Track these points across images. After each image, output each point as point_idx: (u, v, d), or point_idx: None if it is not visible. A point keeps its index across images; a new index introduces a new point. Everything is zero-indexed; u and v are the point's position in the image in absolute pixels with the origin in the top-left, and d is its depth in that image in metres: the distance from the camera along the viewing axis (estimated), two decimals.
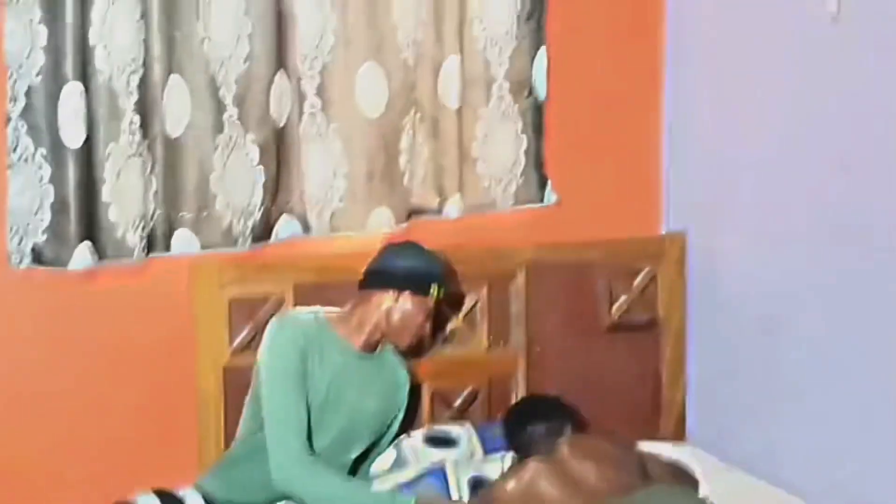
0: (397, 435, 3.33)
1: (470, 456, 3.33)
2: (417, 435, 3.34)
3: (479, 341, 3.66)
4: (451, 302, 3.50)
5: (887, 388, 3.12)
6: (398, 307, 3.11)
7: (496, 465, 3.23)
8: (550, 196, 3.75)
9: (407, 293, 3.10)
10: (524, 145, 3.72)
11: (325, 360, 3.07)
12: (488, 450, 3.36)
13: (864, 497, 3.17)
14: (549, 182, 3.76)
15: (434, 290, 3.13)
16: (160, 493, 3.05)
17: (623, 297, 3.79)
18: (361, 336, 3.13)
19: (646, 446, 3.38)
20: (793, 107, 3.41)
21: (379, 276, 3.13)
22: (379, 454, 3.30)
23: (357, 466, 3.26)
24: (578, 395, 3.70)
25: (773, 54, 3.46)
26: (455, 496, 3.14)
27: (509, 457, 3.24)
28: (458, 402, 3.64)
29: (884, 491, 3.11)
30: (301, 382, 3.01)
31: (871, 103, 3.12)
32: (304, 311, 3.16)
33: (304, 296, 3.39)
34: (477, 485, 3.18)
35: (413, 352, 3.34)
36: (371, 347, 3.17)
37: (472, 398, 3.65)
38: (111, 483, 3.20)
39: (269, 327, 3.10)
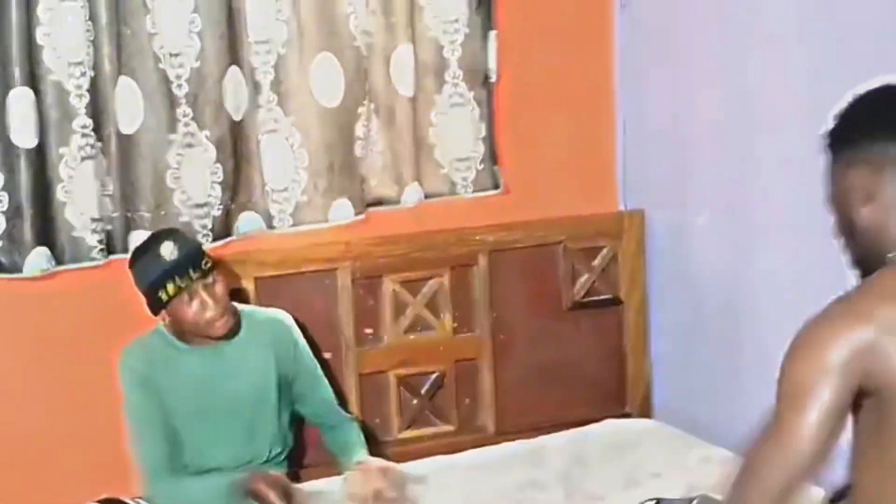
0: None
1: None
2: None
3: (443, 327, 3.67)
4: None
5: None
6: (170, 322, 3.04)
7: None
8: (500, 183, 3.76)
9: (163, 312, 3.02)
10: (481, 132, 3.72)
11: (178, 370, 3.05)
12: None
13: None
14: (501, 168, 3.76)
15: (172, 288, 2.96)
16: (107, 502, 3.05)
17: (585, 276, 3.81)
18: (190, 340, 3.08)
19: (612, 423, 3.40)
20: (746, 84, 3.42)
21: (147, 306, 3.04)
22: (316, 412, 3.27)
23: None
24: (544, 375, 3.75)
25: (725, 30, 3.48)
26: None
27: None
28: (424, 389, 3.65)
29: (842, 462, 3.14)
30: (146, 410, 3.03)
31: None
32: (149, 332, 3.10)
33: (266, 290, 3.40)
34: None
35: (233, 330, 3.12)
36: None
37: (439, 384, 3.66)
38: (73, 486, 3.19)
39: None
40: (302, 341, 3.24)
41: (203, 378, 3.07)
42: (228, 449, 3.09)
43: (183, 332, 3.06)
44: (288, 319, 3.24)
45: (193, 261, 3.01)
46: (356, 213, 3.57)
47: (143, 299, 3.04)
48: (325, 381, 3.29)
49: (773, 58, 3.29)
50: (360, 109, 3.55)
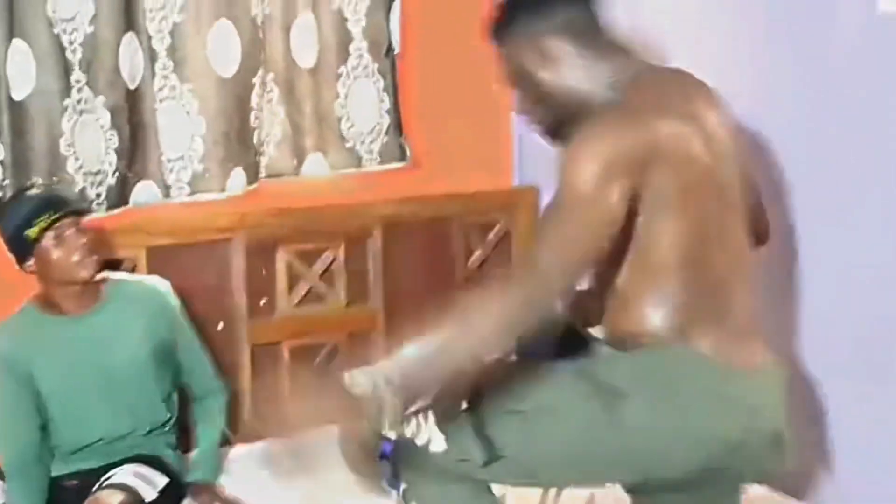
0: None
1: None
2: None
3: (337, 299, 3.69)
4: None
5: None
6: (37, 274, 2.99)
7: None
8: (407, 154, 3.78)
9: (30, 261, 2.97)
10: (386, 104, 3.73)
11: (50, 346, 3.02)
12: None
13: None
14: (405, 140, 3.78)
15: (41, 224, 2.92)
16: None
17: (478, 251, 3.85)
18: (59, 302, 3.04)
19: None
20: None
21: (13, 254, 3.01)
22: (190, 380, 3.23)
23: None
24: None
25: None
26: None
27: None
28: (318, 359, 3.67)
29: None
30: (11, 402, 3.00)
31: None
32: (18, 312, 3.06)
33: (158, 259, 3.39)
34: None
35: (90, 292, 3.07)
36: (82, 305, 3.06)
37: (332, 355, 3.68)
38: None
39: None
40: (177, 307, 3.20)
41: (75, 351, 3.02)
42: (107, 422, 3.05)
43: (49, 288, 3.01)
44: (162, 285, 3.20)
45: (62, 200, 3.02)
46: (249, 184, 3.56)
47: (10, 249, 2.98)
48: (200, 345, 3.25)
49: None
50: (256, 80, 3.53)
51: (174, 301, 3.20)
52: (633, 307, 2.23)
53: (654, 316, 2.21)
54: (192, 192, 3.49)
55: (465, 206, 3.83)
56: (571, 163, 2.12)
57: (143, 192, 3.44)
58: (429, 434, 2.28)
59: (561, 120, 2.31)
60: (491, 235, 3.87)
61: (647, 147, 2.14)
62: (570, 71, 2.29)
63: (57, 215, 2.95)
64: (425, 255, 3.80)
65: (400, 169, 3.78)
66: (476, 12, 3.78)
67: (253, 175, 3.57)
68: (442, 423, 2.27)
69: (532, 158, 3.92)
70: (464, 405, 2.32)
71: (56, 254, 2.95)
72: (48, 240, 2.94)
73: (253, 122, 3.55)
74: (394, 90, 3.74)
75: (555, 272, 2.11)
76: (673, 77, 2.36)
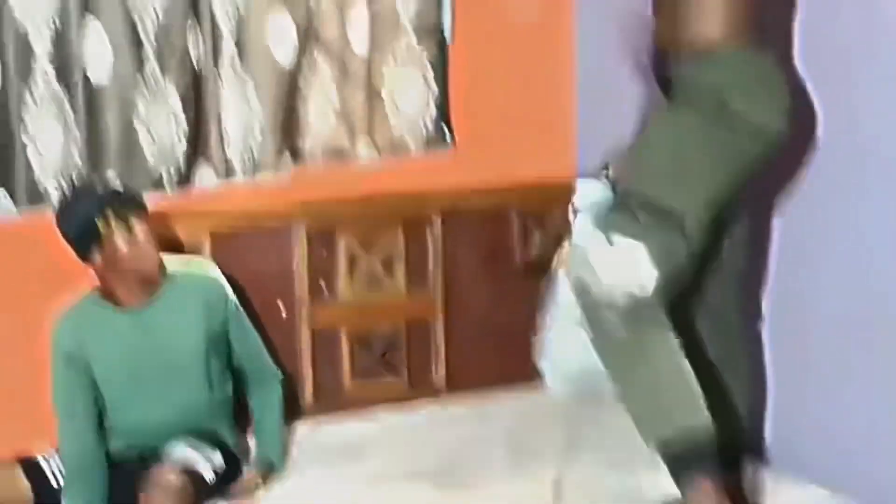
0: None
1: None
2: None
3: (397, 286, 3.71)
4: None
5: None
6: (102, 268, 3.02)
7: None
8: (450, 141, 3.80)
9: (95, 256, 2.99)
10: (433, 89, 3.75)
11: (109, 336, 3.05)
12: None
13: None
14: (452, 128, 3.79)
15: (109, 218, 2.95)
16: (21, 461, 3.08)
17: (536, 239, 3.86)
18: (119, 294, 3.06)
19: None
20: None
21: (77, 246, 3.02)
22: (244, 366, 3.24)
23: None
24: (496, 337, 3.79)
25: None
26: None
27: None
28: (376, 346, 3.70)
29: None
30: (70, 395, 3.03)
31: None
32: (81, 298, 3.09)
33: (221, 245, 3.45)
34: None
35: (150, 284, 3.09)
36: (141, 296, 3.07)
37: (392, 342, 3.71)
38: None
39: None
40: (232, 297, 3.23)
41: (133, 343, 3.06)
42: (164, 407, 3.08)
43: (110, 280, 3.03)
44: (219, 277, 3.22)
45: (129, 195, 3.07)
46: (311, 163, 3.60)
47: (73, 241, 3.00)
48: (255, 333, 3.27)
49: None
50: (312, 64, 3.57)
51: (227, 290, 3.22)
52: None
53: None
54: (254, 173, 3.53)
55: (524, 197, 3.83)
56: None
57: (205, 174, 3.50)
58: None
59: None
60: (549, 225, 3.87)
61: None
62: None
63: (124, 209, 2.98)
64: (483, 242, 3.81)
65: (457, 155, 3.79)
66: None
67: (315, 156, 3.62)
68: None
69: (595, 147, 3.89)
70: None
71: (123, 247, 2.98)
72: (115, 233, 2.97)
73: (313, 107, 3.59)
74: (442, 76, 3.75)
75: None
76: None
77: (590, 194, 2.96)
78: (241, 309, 3.24)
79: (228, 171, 3.52)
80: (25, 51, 3.21)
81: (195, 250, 3.41)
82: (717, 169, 2.73)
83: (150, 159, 3.40)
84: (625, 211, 2.70)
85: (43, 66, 3.23)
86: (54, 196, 3.29)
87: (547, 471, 3.08)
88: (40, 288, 3.26)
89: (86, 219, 2.97)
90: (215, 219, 3.48)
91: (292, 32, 3.52)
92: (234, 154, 3.52)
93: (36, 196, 3.29)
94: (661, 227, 2.64)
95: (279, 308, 3.55)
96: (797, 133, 2.87)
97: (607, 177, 2.95)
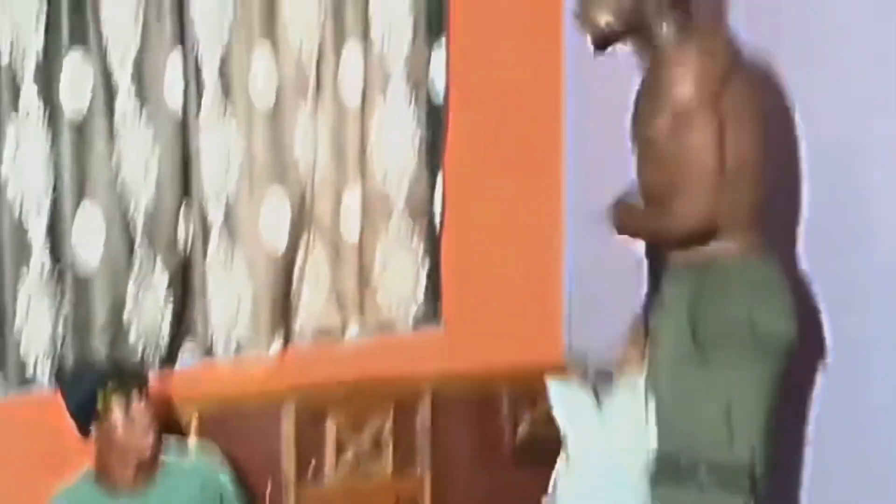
0: None
1: None
2: None
3: (384, 467, 3.68)
4: None
5: None
6: (98, 450, 3.00)
7: None
8: (441, 320, 3.83)
9: (93, 431, 2.98)
10: (424, 269, 3.79)
11: None
12: None
13: None
14: (440, 307, 3.83)
15: (110, 390, 2.96)
16: None
17: (526, 422, 3.84)
18: (115, 474, 3.02)
19: None
20: None
21: (78, 422, 3.03)
22: None
23: None
24: None
25: None
26: None
27: None
28: None
29: None
30: None
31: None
32: (77, 478, 3.06)
33: (208, 424, 3.41)
34: None
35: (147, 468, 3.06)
36: (138, 479, 3.04)
37: None
38: None
39: None
40: (228, 483, 3.20)
41: None
42: None
43: (110, 458, 3.00)
44: (219, 466, 3.20)
45: (129, 366, 3.10)
46: (298, 344, 3.62)
47: (75, 417, 3.00)
48: None
49: None
50: (303, 246, 3.62)
51: (225, 478, 3.20)
52: None
53: None
54: (237, 354, 3.55)
55: (514, 379, 3.83)
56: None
57: (191, 353, 3.51)
58: None
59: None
60: (539, 407, 3.86)
61: None
62: None
63: (127, 384, 2.98)
64: (473, 424, 3.80)
65: (442, 336, 3.81)
66: (521, 176, 3.94)
67: (303, 336, 3.65)
68: None
69: (583, 328, 3.93)
70: None
71: (121, 423, 2.97)
72: (114, 410, 2.96)
73: (304, 289, 3.64)
74: (433, 255, 3.80)
75: None
76: None
77: (563, 402, 2.98)
78: (235, 486, 3.22)
79: (213, 352, 3.54)
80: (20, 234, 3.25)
81: (182, 431, 3.40)
82: (764, 398, 2.70)
83: (134, 337, 3.40)
84: (677, 478, 2.68)
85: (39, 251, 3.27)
86: (41, 377, 3.28)
87: None
88: (35, 469, 3.21)
89: (84, 394, 2.97)
90: (201, 398, 3.46)
91: (286, 215, 3.58)
92: (219, 335, 3.53)
93: (23, 378, 3.28)
94: (725, 487, 2.61)
95: (266, 488, 3.51)
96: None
97: (586, 376, 2.95)
